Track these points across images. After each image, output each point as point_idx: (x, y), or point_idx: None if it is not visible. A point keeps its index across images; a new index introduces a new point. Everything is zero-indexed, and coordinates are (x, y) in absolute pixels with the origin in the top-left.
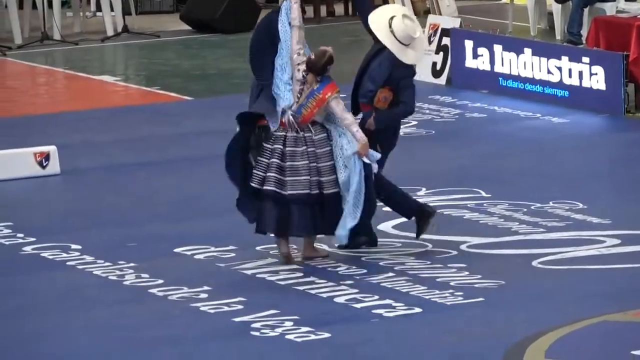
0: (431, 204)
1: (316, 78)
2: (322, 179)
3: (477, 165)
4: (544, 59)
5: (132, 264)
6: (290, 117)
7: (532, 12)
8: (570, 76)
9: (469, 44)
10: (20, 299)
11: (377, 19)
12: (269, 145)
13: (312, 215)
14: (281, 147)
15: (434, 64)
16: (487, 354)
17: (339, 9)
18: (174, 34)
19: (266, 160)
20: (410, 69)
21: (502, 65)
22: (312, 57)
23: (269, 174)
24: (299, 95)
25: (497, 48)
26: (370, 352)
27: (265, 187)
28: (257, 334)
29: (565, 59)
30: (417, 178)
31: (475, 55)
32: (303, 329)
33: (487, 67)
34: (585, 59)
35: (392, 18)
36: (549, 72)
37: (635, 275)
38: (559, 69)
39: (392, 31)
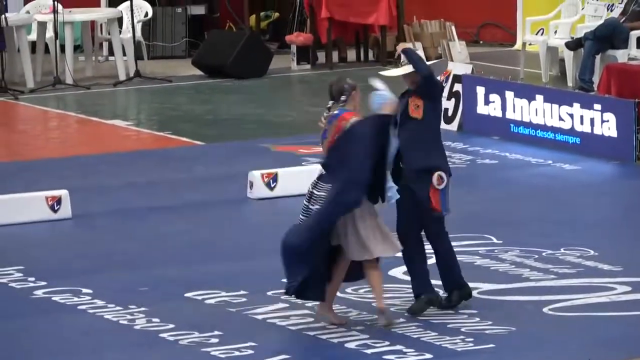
0: None
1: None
2: None
3: (488, 211)
4: (555, 106)
5: (143, 309)
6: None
7: (543, 58)
8: (581, 123)
9: (480, 90)
10: (31, 342)
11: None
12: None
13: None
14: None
15: (446, 110)
16: None
17: (351, 54)
18: (185, 79)
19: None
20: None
21: (514, 111)
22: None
23: None
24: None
25: (509, 94)
26: None
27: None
28: None
29: (576, 105)
30: None
31: (487, 102)
32: None
33: (499, 114)
34: (597, 106)
35: None
36: (560, 118)
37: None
38: (571, 115)
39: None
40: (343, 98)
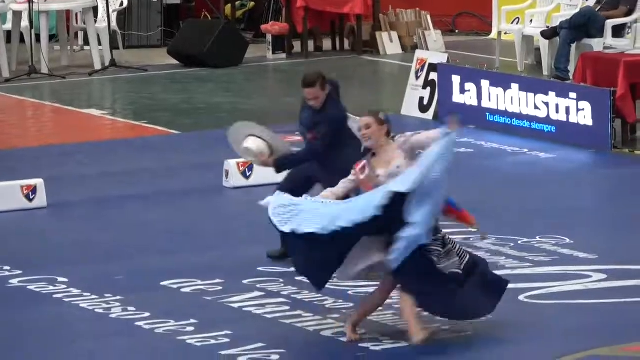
0: None
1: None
2: None
3: (464, 200)
4: (531, 95)
5: (118, 297)
6: None
7: (519, 47)
8: (557, 112)
9: (456, 79)
10: (6, 332)
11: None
12: None
13: None
14: None
15: (421, 99)
16: None
17: (326, 44)
18: (161, 68)
19: None
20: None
21: (490, 100)
22: None
23: None
24: None
25: (485, 83)
26: None
27: None
28: None
29: (552, 94)
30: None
31: (463, 91)
32: None
33: (475, 102)
34: (573, 95)
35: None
36: (536, 107)
37: (622, 310)
38: (546, 104)
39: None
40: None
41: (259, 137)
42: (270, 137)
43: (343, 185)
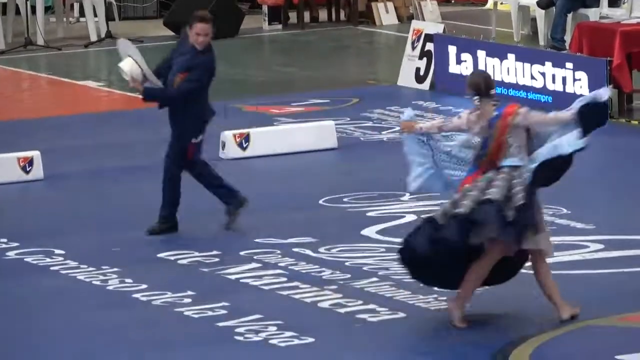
0: (415, 210)
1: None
2: None
3: None
4: (527, 65)
5: (115, 269)
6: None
7: (515, 18)
8: (553, 82)
9: (452, 50)
10: (4, 303)
11: None
12: None
13: None
14: None
15: (418, 69)
16: (472, 358)
17: (322, 14)
18: (157, 40)
19: None
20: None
21: (486, 70)
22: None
23: None
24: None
25: (481, 54)
26: (354, 357)
27: None
28: (240, 338)
29: (548, 64)
30: (401, 184)
31: (459, 61)
32: (287, 333)
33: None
34: (569, 65)
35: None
36: (532, 77)
37: (618, 281)
38: (543, 74)
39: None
40: (493, 92)
41: (136, 62)
42: (146, 68)
43: (451, 122)
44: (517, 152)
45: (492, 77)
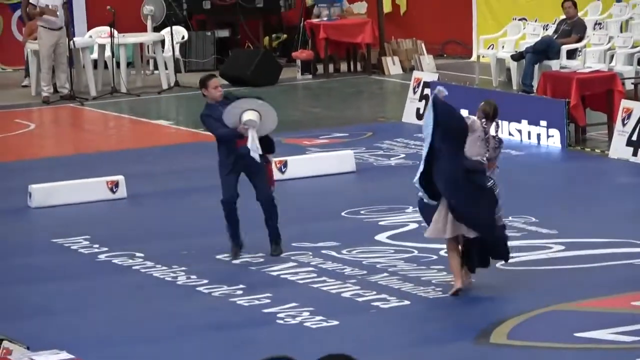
0: (417, 220)
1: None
2: None
3: None
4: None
5: (183, 268)
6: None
7: (494, 68)
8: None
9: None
10: (97, 295)
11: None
12: None
13: None
14: None
15: (418, 109)
16: (461, 336)
17: (343, 66)
18: None
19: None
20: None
21: (469, 114)
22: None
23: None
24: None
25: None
26: (370, 335)
27: None
28: (281, 322)
29: (521, 105)
30: (405, 199)
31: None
32: (317, 317)
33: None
34: (536, 105)
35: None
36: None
37: (577, 274)
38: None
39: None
40: (496, 119)
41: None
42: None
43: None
44: None
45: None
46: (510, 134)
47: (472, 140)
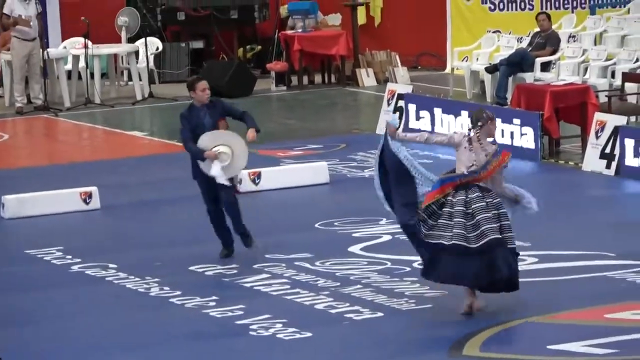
0: (390, 232)
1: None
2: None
3: None
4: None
5: (156, 279)
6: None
7: (468, 80)
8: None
9: (412, 107)
10: (70, 306)
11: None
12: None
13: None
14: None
15: None
16: (434, 348)
17: (317, 78)
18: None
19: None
20: None
21: (442, 126)
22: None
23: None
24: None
25: (437, 110)
26: (343, 347)
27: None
28: (254, 333)
29: (498, 120)
30: (379, 211)
31: (418, 118)
32: (290, 329)
33: (428, 128)
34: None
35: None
36: None
37: (549, 287)
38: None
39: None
40: (480, 124)
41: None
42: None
43: (440, 137)
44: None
45: (482, 113)
46: None
47: (460, 152)
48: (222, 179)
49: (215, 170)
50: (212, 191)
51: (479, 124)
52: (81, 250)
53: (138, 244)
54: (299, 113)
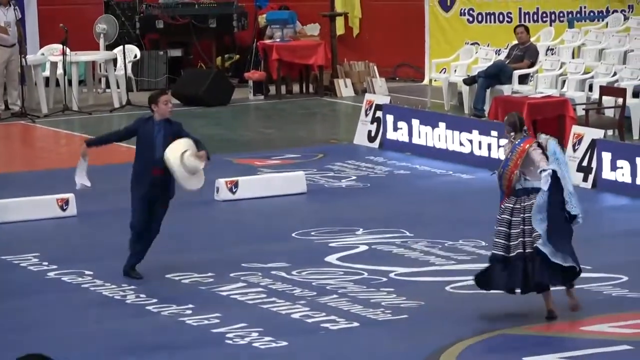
0: (367, 242)
1: (518, 135)
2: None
3: (402, 211)
4: (456, 132)
5: (132, 287)
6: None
7: (446, 91)
8: (480, 147)
9: (395, 117)
10: (46, 313)
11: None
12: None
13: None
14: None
15: (370, 131)
16: (410, 359)
17: (295, 88)
18: None
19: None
20: None
21: (419, 137)
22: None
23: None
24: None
25: (415, 122)
26: (319, 357)
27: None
28: (230, 342)
29: (475, 132)
30: (356, 221)
31: (396, 129)
32: (266, 338)
33: (406, 139)
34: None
35: (184, 152)
36: (461, 144)
37: (526, 299)
38: (470, 141)
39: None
40: (525, 128)
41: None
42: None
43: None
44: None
45: (523, 118)
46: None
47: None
48: (78, 184)
49: (78, 172)
50: (146, 206)
51: (525, 128)
52: (57, 256)
53: (114, 251)
54: (277, 122)
